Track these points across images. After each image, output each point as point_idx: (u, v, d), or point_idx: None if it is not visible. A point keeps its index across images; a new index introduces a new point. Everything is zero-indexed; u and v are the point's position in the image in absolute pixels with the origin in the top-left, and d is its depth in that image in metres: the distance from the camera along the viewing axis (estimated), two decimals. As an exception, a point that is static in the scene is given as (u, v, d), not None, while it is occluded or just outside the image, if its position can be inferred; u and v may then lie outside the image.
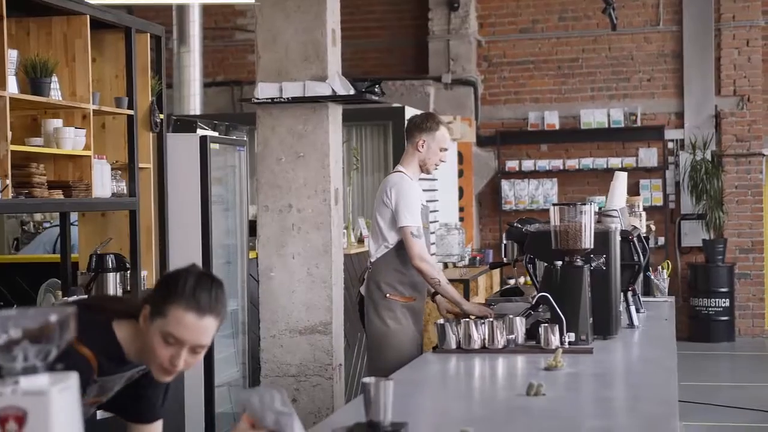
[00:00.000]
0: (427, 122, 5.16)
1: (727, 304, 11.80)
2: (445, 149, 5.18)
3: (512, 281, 9.86)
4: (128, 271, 5.51)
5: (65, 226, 5.70)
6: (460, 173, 11.94)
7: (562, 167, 12.36)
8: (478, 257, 10.48)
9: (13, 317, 1.72)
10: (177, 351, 2.50)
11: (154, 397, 2.77)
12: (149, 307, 2.54)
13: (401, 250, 5.05)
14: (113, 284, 5.35)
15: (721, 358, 11.24)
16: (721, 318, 11.79)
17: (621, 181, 5.55)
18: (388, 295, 5.04)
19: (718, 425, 7.81)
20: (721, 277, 11.83)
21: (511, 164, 12.48)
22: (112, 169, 5.41)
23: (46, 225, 7.92)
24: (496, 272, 10.51)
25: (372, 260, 5.14)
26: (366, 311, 5.13)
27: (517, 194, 12.46)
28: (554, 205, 4.33)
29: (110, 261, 5.37)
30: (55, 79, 4.88)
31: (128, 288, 5.51)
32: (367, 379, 2.64)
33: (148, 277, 5.75)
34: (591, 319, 4.25)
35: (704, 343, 11.63)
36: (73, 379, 1.82)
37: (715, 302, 11.77)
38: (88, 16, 5.11)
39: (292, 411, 2.34)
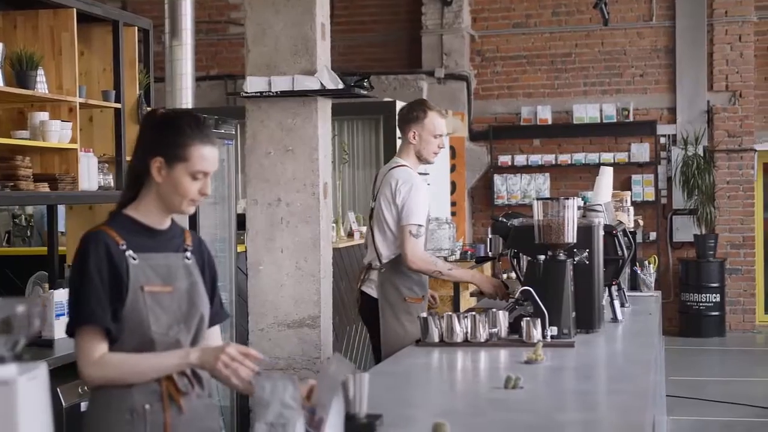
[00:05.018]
0: (413, 112, 5.05)
1: (718, 299, 11.83)
2: (440, 135, 5.03)
3: (505, 276, 9.85)
4: (115, 264, 5.51)
5: (52, 218, 5.71)
6: (453, 168, 11.95)
7: (554, 162, 12.37)
8: (469, 251, 10.49)
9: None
10: (204, 182, 2.81)
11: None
12: (162, 159, 2.75)
13: None
14: (100, 277, 5.34)
15: (711, 353, 11.26)
16: (711, 313, 11.82)
17: (607, 176, 5.58)
18: (407, 298, 4.97)
19: (707, 419, 7.84)
20: (712, 273, 11.85)
21: (504, 159, 12.49)
22: (100, 162, 5.42)
23: None
24: (489, 266, 10.52)
25: (383, 261, 5.01)
26: (382, 313, 5.02)
27: (510, 189, 12.48)
28: (537, 199, 4.34)
29: (97, 254, 5.36)
30: (41, 72, 4.90)
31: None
32: (342, 372, 2.66)
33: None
34: (574, 313, 4.26)
35: (695, 338, 11.66)
36: (41, 369, 1.84)
37: (706, 297, 11.80)
38: (74, 10, 5.12)
39: (298, 407, 2.36)
